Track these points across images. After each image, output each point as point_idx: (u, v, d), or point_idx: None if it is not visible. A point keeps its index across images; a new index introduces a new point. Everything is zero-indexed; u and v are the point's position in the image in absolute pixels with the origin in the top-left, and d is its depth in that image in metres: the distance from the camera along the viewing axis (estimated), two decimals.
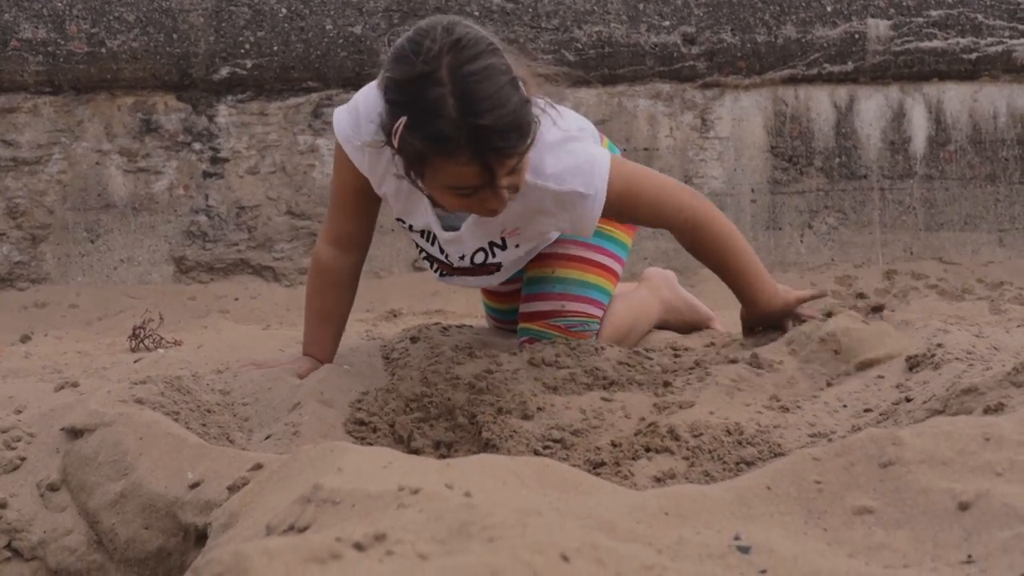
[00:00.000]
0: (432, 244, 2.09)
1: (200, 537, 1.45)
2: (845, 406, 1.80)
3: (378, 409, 1.86)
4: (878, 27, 4.40)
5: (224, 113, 4.26)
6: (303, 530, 1.01)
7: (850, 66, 4.42)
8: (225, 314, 3.88)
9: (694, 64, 4.38)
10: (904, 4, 4.44)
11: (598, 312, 2.23)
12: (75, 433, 1.66)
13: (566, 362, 1.98)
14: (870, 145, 4.48)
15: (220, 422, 1.82)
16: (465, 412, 1.82)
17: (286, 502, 1.12)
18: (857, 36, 4.41)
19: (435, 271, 2.18)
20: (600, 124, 4.15)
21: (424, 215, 2.01)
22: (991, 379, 1.52)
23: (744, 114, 4.44)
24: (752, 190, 4.46)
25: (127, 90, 4.24)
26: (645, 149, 4.40)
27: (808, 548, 0.97)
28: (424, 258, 2.16)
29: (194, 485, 1.49)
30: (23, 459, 1.68)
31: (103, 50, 4.18)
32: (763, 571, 0.89)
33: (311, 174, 4.27)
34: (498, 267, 2.15)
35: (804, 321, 2.07)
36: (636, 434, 1.69)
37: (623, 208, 1.99)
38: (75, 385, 2.00)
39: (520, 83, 1.74)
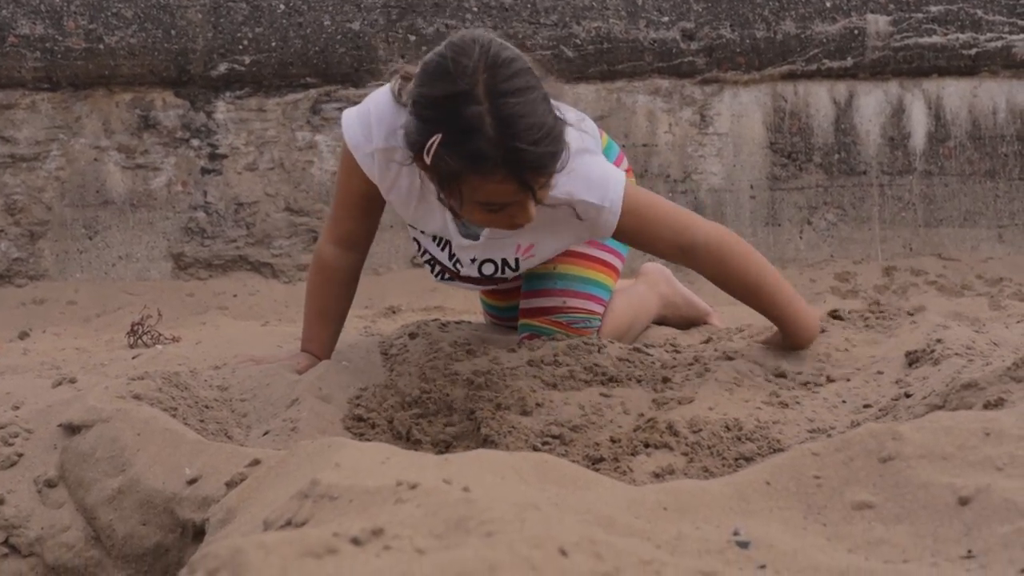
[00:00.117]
0: (443, 250, 2.08)
1: (198, 533, 1.44)
2: (844, 402, 1.80)
3: (376, 405, 1.86)
4: (877, 22, 4.40)
5: (222, 109, 4.26)
6: (301, 525, 1.00)
7: (849, 62, 4.41)
8: (224, 310, 3.88)
9: (693, 60, 4.37)
10: None
11: (599, 309, 2.23)
12: (73, 429, 1.65)
13: (565, 359, 1.98)
14: (869, 141, 4.48)
15: (218, 418, 1.82)
16: (464, 408, 1.81)
17: (284, 498, 1.12)
18: (856, 32, 4.40)
19: (435, 274, 2.17)
20: (599, 120, 4.15)
21: (438, 223, 2.01)
22: (991, 374, 1.52)
23: (743, 110, 4.44)
24: (751, 186, 4.45)
25: (125, 86, 4.23)
26: (644, 145, 4.40)
27: (807, 543, 0.97)
28: (427, 261, 2.15)
29: (192, 481, 1.48)
30: (20, 455, 1.67)
31: (101, 46, 4.17)
32: (762, 566, 0.89)
33: (309, 170, 4.26)
34: (504, 282, 2.16)
35: None
36: (635, 430, 1.69)
37: (640, 223, 1.93)
38: (73, 381, 1.99)
39: (552, 101, 1.75)
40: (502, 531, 0.76)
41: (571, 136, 1.81)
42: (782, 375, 1.91)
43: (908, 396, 1.69)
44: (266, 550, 0.68)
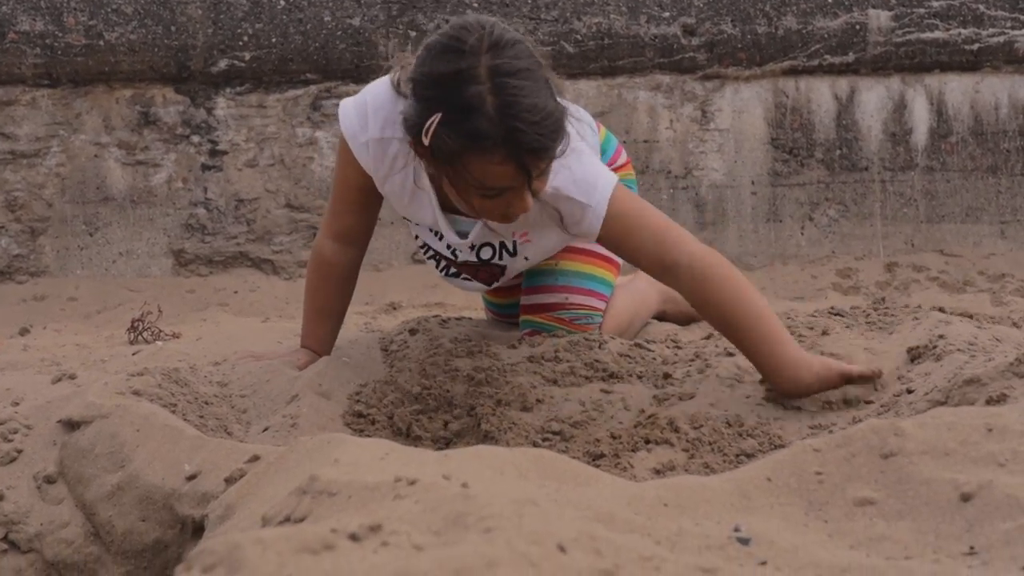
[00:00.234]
0: (440, 240, 2.07)
1: (197, 529, 1.44)
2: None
3: (376, 401, 1.86)
4: (879, 18, 4.39)
5: (222, 106, 4.25)
6: (299, 521, 1.00)
7: (851, 57, 4.40)
8: (224, 307, 3.88)
9: (694, 55, 4.36)
10: None
11: (601, 304, 2.23)
12: (72, 425, 1.65)
13: (566, 355, 1.97)
14: (871, 137, 4.47)
15: (218, 414, 1.82)
16: (464, 404, 1.81)
17: (283, 493, 1.11)
18: (858, 27, 4.39)
19: (440, 269, 2.17)
20: (600, 116, 4.14)
21: (431, 216, 1.99)
22: (993, 370, 1.52)
23: (744, 106, 4.43)
24: (752, 182, 4.44)
25: (125, 83, 4.22)
26: (645, 141, 4.39)
27: (808, 540, 0.96)
28: (429, 257, 2.14)
29: (191, 477, 1.48)
30: (20, 451, 1.67)
31: (101, 42, 4.17)
32: (763, 562, 0.89)
33: (310, 167, 4.26)
34: (501, 271, 2.13)
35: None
36: (636, 426, 1.69)
37: (625, 230, 1.85)
38: (72, 377, 1.99)
39: (553, 88, 1.74)
40: (501, 527, 0.75)
41: (568, 130, 1.80)
42: None
43: (910, 392, 1.68)
44: (263, 546, 0.67)
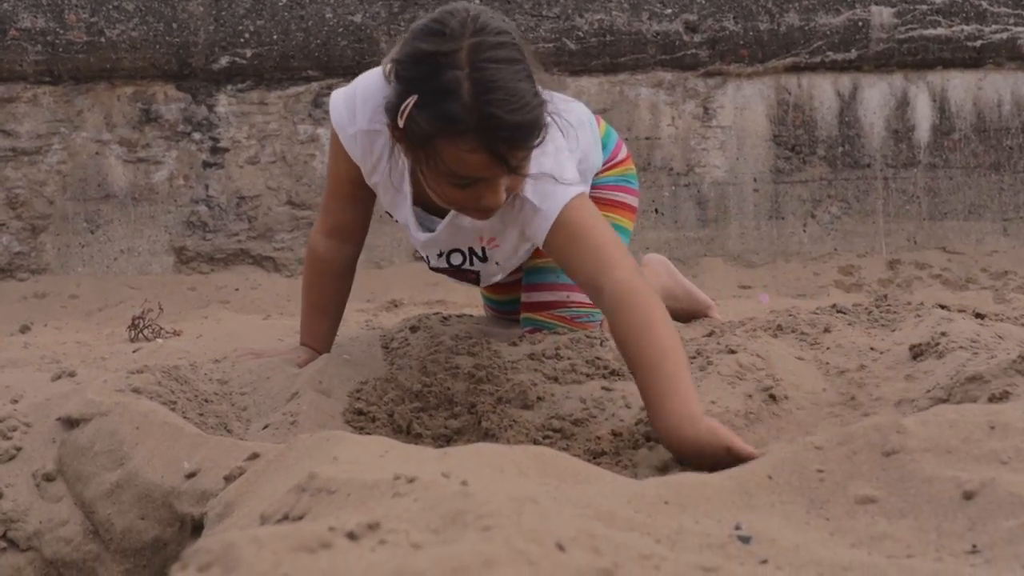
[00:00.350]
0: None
1: (197, 527, 1.44)
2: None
3: (377, 399, 1.85)
4: (882, 14, 4.37)
5: (224, 103, 4.25)
6: (298, 519, 1.00)
7: (853, 54, 4.39)
8: (225, 304, 3.87)
9: (696, 52, 4.35)
10: None
11: None
12: (71, 423, 1.65)
13: (566, 352, 1.97)
14: (874, 134, 4.46)
15: (218, 412, 1.81)
16: (465, 402, 1.80)
17: (281, 491, 1.11)
18: (860, 23, 4.38)
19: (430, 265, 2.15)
20: (601, 113, 4.13)
21: (405, 211, 1.97)
22: (996, 367, 1.51)
23: (747, 103, 4.42)
24: (754, 179, 4.43)
25: (127, 80, 4.22)
26: (647, 138, 4.38)
27: (810, 538, 0.96)
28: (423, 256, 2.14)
29: (191, 475, 1.47)
30: (19, 449, 1.66)
31: (102, 39, 4.16)
32: (764, 561, 0.88)
33: (311, 164, 4.25)
34: (476, 276, 2.12)
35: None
36: (637, 423, 1.68)
37: (567, 243, 1.76)
38: (72, 375, 1.98)
39: (536, 82, 1.71)
40: (499, 525, 0.75)
41: (551, 134, 1.77)
42: None
43: (912, 390, 1.67)
44: (259, 544, 0.67)
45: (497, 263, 2.05)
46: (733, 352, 1.93)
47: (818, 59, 4.39)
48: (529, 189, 1.77)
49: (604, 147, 2.27)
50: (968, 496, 0.97)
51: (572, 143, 2.00)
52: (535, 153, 1.72)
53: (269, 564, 0.65)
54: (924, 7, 4.38)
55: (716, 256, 4.38)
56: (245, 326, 2.94)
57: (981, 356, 1.67)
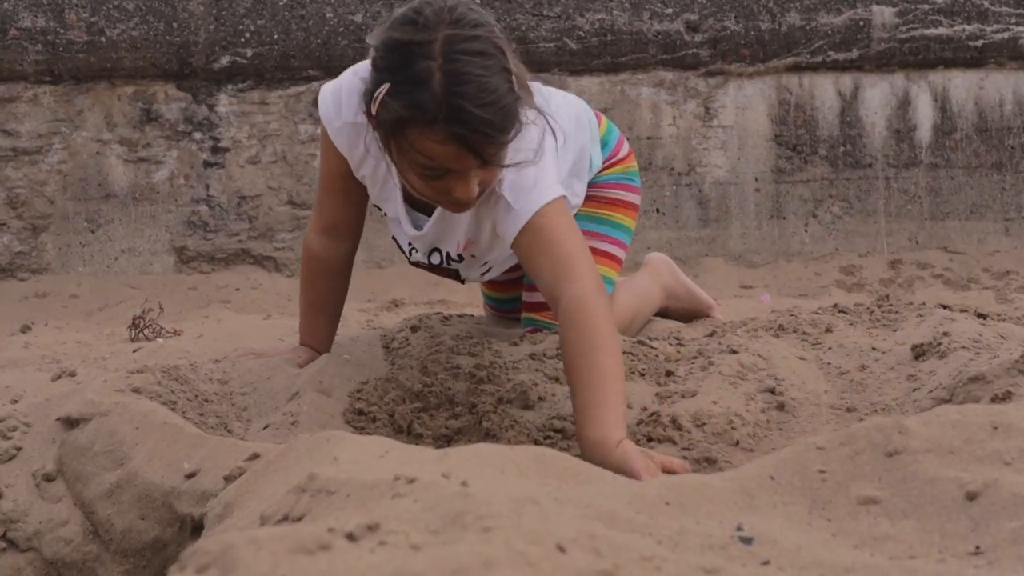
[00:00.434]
0: (405, 235, 2.05)
1: (196, 527, 1.43)
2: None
3: (377, 399, 1.84)
4: (883, 14, 4.37)
5: (224, 102, 4.24)
6: (298, 520, 0.99)
7: (855, 53, 4.38)
8: (226, 304, 3.87)
9: (697, 52, 4.35)
10: None
11: None
12: (71, 423, 1.64)
13: None
14: (875, 133, 4.45)
15: (218, 412, 1.81)
16: (465, 402, 1.80)
17: (281, 492, 1.11)
18: (862, 23, 4.37)
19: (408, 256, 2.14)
20: (602, 113, 4.13)
21: (396, 206, 1.97)
22: (998, 367, 1.50)
23: (748, 102, 4.41)
24: (756, 179, 4.43)
25: (127, 79, 4.22)
26: (648, 138, 4.38)
27: (812, 539, 0.95)
28: (400, 248, 2.12)
29: (190, 475, 1.47)
30: (19, 449, 1.66)
31: (103, 39, 4.16)
32: (765, 562, 0.88)
33: (312, 163, 4.25)
34: (457, 274, 2.11)
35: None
36: (638, 423, 1.68)
37: (533, 248, 1.74)
38: (72, 375, 1.98)
39: (513, 78, 1.69)
40: (499, 526, 0.74)
41: (531, 132, 1.74)
42: None
43: (914, 390, 1.67)
44: (257, 546, 0.66)
45: (474, 256, 2.03)
46: (735, 352, 1.93)
47: (819, 59, 4.38)
48: (506, 186, 1.76)
49: (605, 145, 2.27)
50: (971, 497, 0.97)
51: (566, 144, 2.00)
52: (514, 149, 1.72)
53: (267, 566, 0.65)
54: (925, 7, 4.37)
55: (717, 256, 4.37)
56: (246, 326, 2.94)
57: (983, 356, 1.67)
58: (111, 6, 4.18)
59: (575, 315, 1.61)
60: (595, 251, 2.23)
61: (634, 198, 2.33)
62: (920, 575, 0.86)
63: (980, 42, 4.40)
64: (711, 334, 2.19)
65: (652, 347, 2.04)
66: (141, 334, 2.86)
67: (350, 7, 4.25)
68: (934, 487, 1.00)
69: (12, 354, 2.61)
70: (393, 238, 2.12)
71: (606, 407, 1.52)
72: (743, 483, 1.06)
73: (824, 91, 4.43)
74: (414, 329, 2.23)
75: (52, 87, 4.18)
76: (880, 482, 1.03)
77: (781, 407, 1.72)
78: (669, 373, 1.90)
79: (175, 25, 4.19)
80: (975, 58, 4.43)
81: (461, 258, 2.01)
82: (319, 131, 4.18)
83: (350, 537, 0.74)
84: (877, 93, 4.44)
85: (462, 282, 2.18)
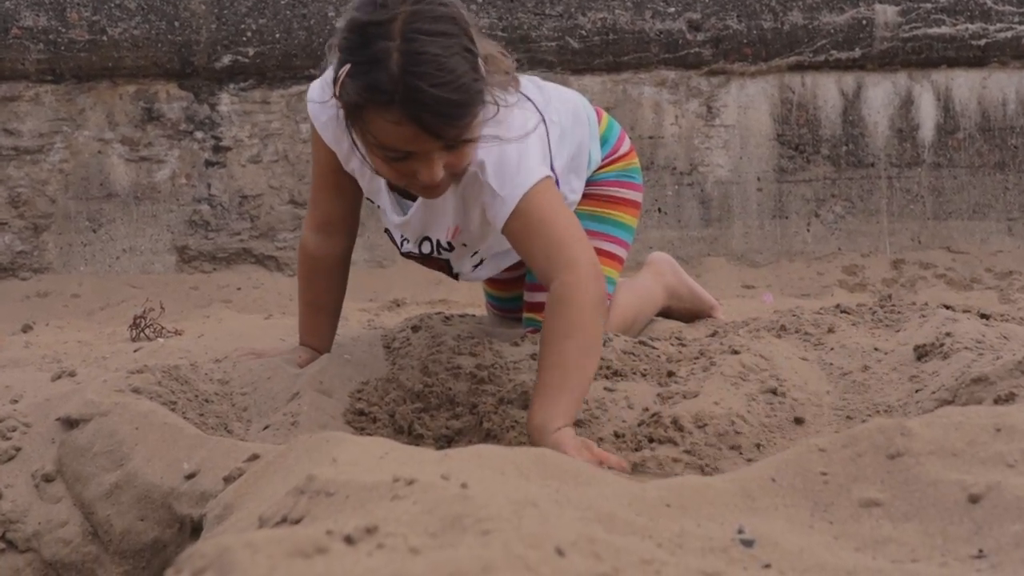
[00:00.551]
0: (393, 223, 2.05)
1: (196, 528, 1.43)
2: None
3: (378, 399, 1.84)
4: (886, 13, 4.36)
5: (226, 101, 4.24)
6: (296, 522, 0.99)
7: (857, 52, 4.38)
8: (227, 304, 3.87)
9: (699, 51, 4.34)
10: None
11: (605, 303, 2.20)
12: (71, 423, 1.64)
13: None
14: (878, 133, 4.44)
15: (218, 412, 1.81)
16: (466, 402, 1.79)
17: (280, 493, 1.10)
18: (864, 22, 4.36)
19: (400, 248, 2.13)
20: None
21: (384, 195, 1.96)
22: (1001, 368, 1.50)
23: (750, 101, 4.40)
24: (758, 178, 4.42)
25: (129, 78, 4.21)
26: (650, 137, 4.37)
27: (814, 541, 0.94)
28: (392, 240, 2.12)
29: (190, 476, 1.47)
30: (18, 449, 1.66)
31: (104, 38, 4.16)
32: (767, 565, 0.87)
33: None
34: (449, 266, 2.10)
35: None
36: (639, 424, 1.67)
37: (524, 232, 1.73)
38: (72, 374, 1.98)
39: (479, 61, 1.68)
40: (498, 529, 0.74)
41: (514, 117, 1.75)
42: None
43: (917, 391, 1.66)
44: (254, 549, 0.66)
45: (465, 244, 2.02)
46: (736, 353, 1.92)
47: (822, 58, 4.37)
48: (490, 172, 1.75)
49: (605, 142, 2.26)
50: (974, 500, 0.96)
51: (563, 136, 1.99)
52: (494, 133, 1.71)
53: (264, 569, 0.64)
54: (928, 5, 4.36)
55: (720, 256, 4.36)
56: (247, 325, 2.94)
57: (986, 357, 1.66)
58: (113, 5, 4.17)
59: (558, 303, 1.64)
60: (597, 251, 2.22)
61: (635, 196, 2.32)
62: None
63: (983, 41, 4.39)
64: (713, 334, 2.18)
65: (654, 347, 2.03)
66: (142, 334, 2.85)
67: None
68: (936, 489, 0.99)
69: (13, 354, 2.61)
70: (386, 231, 2.11)
71: (557, 394, 1.56)
72: (744, 485, 1.05)
73: (827, 90, 4.42)
74: (415, 329, 2.23)
75: (54, 86, 4.18)
76: (882, 484, 1.02)
77: (800, 421, 1.70)
78: (671, 374, 1.89)
79: (177, 24, 4.19)
80: (978, 57, 4.42)
81: (451, 247, 2.00)
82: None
83: (348, 540, 0.74)
84: (880, 92, 4.43)
85: (455, 277, 2.17)
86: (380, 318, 3.20)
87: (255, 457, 1.40)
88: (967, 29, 4.38)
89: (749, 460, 1.55)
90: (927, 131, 4.45)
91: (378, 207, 2.04)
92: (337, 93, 1.66)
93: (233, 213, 4.24)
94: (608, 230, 2.24)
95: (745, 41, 4.34)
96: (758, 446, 1.61)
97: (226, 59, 4.20)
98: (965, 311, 2.18)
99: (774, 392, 1.77)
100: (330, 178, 2.00)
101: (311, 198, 2.09)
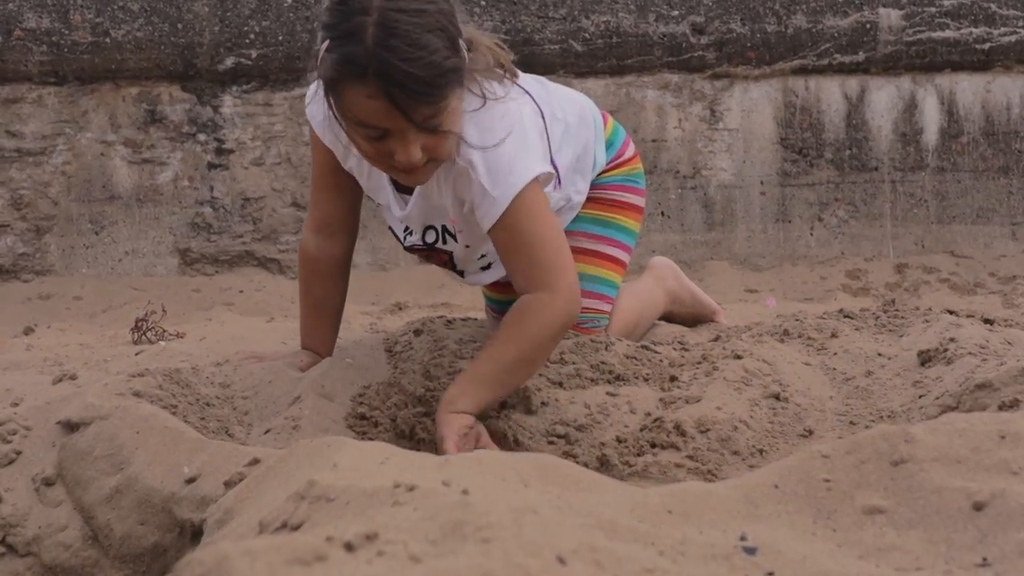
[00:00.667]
0: (400, 224, 2.04)
1: (196, 533, 1.42)
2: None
3: (380, 403, 1.83)
4: (890, 17, 4.35)
5: (229, 104, 4.24)
6: (296, 527, 0.98)
7: (861, 56, 4.37)
8: (230, 306, 3.86)
9: (703, 54, 4.33)
10: None
11: (607, 307, 2.20)
12: (71, 426, 1.63)
13: (571, 357, 1.95)
14: (881, 137, 4.44)
15: (219, 416, 1.80)
16: None
17: (281, 498, 1.10)
18: (868, 26, 4.36)
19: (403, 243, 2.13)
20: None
21: (384, 191, 1.96)
22: (1006, 374, 1.49)
23: (754, 105, 4.40)
24: (761, 182, 4.41)
25: (132, 80, 4.21)
26: (653, 140, 4.36)
27: (817, 549, 0.94)
28: (396, 236, 2.11)
29: (191, 480, 1.46)
30: (19, 453, 1.65)
31: (107, 40, 4.16)
32: (770, 573, 0.86)
33: None
34: (451, 258, 2.09)
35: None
36: (642, 429, 1.67)
37: (509, 240, 1.75)
38: (73, 378, 1.97)
39: (461, 43, 1.69)
40: (499, 537, 0.73)
41: (509, 111, 1.75)
42: None
43: (921, 397, 1.66)
44: (252, 557, 0.65)
45: (467, 245, 2.02)
46: (739, 357, 1.91)
47: (825, 61, 4.37)
48: (481, 169, 1.76)
49: (611, 145, 2.25)
50: (978, 507, 0.96)
51: (567, 134, 1.98)
52: (482, 126, 1.72)
53: None
54: (932, 9, 4.36)
55: (722, 259, 4.36)
56: (249, 329, 2.93)
57: (990, 362, 1.65)
58: (116, 7, 4.18)
59: (526, 311, 1.72)
60: (599, 255, 2.22)
61: (638, 200, 2.32)
62: None
63: (987, 45, 4.38)
64: (716, 339, 2.18)
65: (656, 352, 2.02)
66: (144, 336, 2.85)
67: None
68: (940, 497, 0.98)
69: (14, 356, 2.60)
70: (390, 227, 2.11)
71: (479, 382, 1.69)
72: (747, 491, 1.05)
73: (830, 94, 4.42)
74: (417, 333, 2.22)
75: (56, 88, 4.18)
76: (886, 491, 1.01)
77: (803, 428, 1.70)
78: (673, 378, 1.89)
79: (180, 26, 4.19)
80: (982, 61, 4.41)
81: (455, 237, 1.99)
82: None
83: (348, 547, 0.73)
84: (883, 96, 4.43)
85: (461, 275, 2.16)
86: (382, 321, 3.20)
87: (256, 461, 1.40)
88: (971, 33, 4.37)
89: (752, 466, 1.55)
90: (931, 135, 4.44)
91: (379, 205, 2.04)
92: (318, 68, 1.68)
93: (235, 216, 4.24)
94: (611, 234, 2.23)
95: (749, 44, 4.33)
96: (761, 452, 1.61)
97: (229, 61, 4.20)
98: (969, 316, 2.17)
99: (777, 397, 1.76)
100: (329, 178, 2.00)
101: (311, 199, 2.08)
